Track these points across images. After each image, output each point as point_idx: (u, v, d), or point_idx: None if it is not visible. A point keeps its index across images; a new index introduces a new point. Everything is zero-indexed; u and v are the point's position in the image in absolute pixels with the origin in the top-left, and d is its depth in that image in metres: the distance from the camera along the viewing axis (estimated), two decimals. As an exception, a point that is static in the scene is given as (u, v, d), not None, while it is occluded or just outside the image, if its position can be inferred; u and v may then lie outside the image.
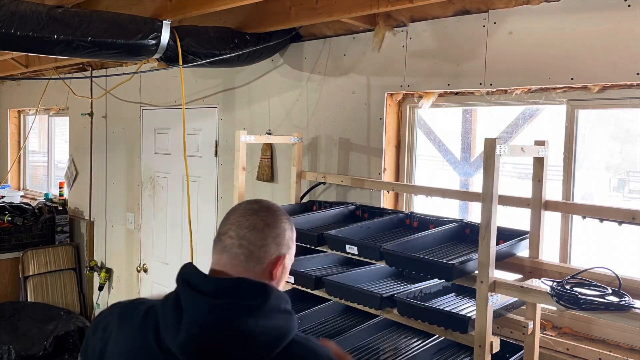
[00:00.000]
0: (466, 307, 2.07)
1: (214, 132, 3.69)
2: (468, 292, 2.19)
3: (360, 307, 2.09)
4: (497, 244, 1.74)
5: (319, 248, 2.19)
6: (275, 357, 1.04)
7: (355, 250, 2.02)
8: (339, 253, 2.11)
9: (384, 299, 2.00)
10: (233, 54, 2.87)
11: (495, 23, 2.31)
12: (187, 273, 1.12)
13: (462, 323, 1.79)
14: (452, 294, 2.22)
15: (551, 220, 2.10)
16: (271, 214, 1.17)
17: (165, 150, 4.15)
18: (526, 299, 1.74)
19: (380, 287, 2.26)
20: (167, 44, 2.70)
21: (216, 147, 3.67)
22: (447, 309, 1.99)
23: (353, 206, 2.64)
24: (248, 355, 1.03)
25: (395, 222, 2.38)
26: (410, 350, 2.12)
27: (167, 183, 4.14)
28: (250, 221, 1.14)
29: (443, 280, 2.00)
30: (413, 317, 1.92)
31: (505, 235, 2.00)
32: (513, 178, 2.60)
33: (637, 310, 1.48)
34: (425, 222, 2.32)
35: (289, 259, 1.19)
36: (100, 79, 4.66)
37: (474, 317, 1.74)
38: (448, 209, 2.57)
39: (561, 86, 2.18)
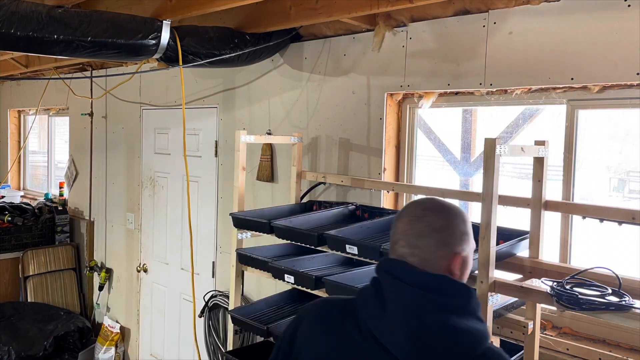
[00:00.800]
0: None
1: (214, 132, 3.69)
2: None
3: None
4: (497, 244, 1.74)
5: (319, 248, 2.19)
6: (474, 357, 1.08)
7: (355, 250, 2.02)
8: (339, 253, 2.10)
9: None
10: (233, 54, 2.87)
11: (495, 23, 2.31)
12: (391, 266, 1.17)
13: None
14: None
15: (551, 220, 2.10)
16: (437, 216, 1.18)
17: (165, 150, 4.15)
18: (526, 299, 1.74)
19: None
20: (167, 44, 2.70)
21: (216, 147, 3.67)
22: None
23: (353, 206, 2.64)
24: (452, 349, 1.07)
25: (395, 222, 2.37)
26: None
27: (167, 183, 4.14)
28: (416, 230, 1.17)
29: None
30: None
31: (505, 235, 2.00)
32: (513, 178, 2.60)
33: (637, 310, 1.48)
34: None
35: (466, 253, 1.19)
36: (100, 79, 4.66)
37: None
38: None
39: (561, 86, 2.18)
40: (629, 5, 1.96)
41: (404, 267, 1.15)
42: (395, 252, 1.19)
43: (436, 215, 1.18)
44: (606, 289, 1.60)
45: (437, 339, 1.07)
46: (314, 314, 1.28)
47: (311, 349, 1.22)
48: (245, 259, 2.55)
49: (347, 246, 2.04)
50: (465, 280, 1.21)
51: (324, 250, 2.19)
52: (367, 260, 2.00)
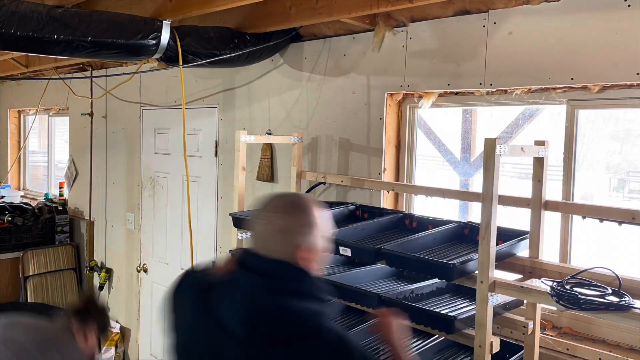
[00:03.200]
0: (462, 307, 2.07)
1: (214, 132, 3.69)
2: (465, 292, 2.19)
3: (359, 306, 2.09)
4: (497, 244, 1.74)
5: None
6: (306, 335, 1.22)
7: (348, 252, 2.01)
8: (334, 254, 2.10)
9: (382, 299, 2.00)
10: (233, 54, 2.87)
11: (495, 23, 2.31)
12: (243, 256, 1.36)
13: (447, 323, 1.79)
14: (449, 294, 2.22)
15: (551, 220, 2.10)
16: (281, 218, 1.34)
17: (165, 150, 4.15)
18: (526, 299, 1.75)
19: (379, 287, 2.26)
20: (167, 44, 2.70)
21: (216, 147, 3.67)
22: (442, 309, 2.00)
23: (353, 206, 2.64)
24: (283, 327, 1.22)
25: (394, 223, 2.37)
26: (410, 350, 2.11)
27: (167, 183, 4.14)
28: (265, 232, 1.35)
29: (443, 280, 2.01)
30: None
31: (505, 235, 2.00)
32: (513, 178, 2.60)
33: (637, 310, 1.48)
34: (424, 223, 2.32)
35: (308, 243, 1.33)
36: (100, 79, 4.66)
37: (459, 317, 1.75)
38: (448, 209, 2.57)
39: (561, 86, 2.18)
40: (629, 5, 1.96)
41: (253, 256, 1.33)
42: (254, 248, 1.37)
43: (281, 217, 1.34)
44: (606, 289, 1.60)
45: (270, 319, 1.22)
46: (180, 283, 1.47)
47: (175, 316, 1.42)
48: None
49: (340, 248, 2.03)
50: (316, 264, 1.35)
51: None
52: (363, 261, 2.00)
